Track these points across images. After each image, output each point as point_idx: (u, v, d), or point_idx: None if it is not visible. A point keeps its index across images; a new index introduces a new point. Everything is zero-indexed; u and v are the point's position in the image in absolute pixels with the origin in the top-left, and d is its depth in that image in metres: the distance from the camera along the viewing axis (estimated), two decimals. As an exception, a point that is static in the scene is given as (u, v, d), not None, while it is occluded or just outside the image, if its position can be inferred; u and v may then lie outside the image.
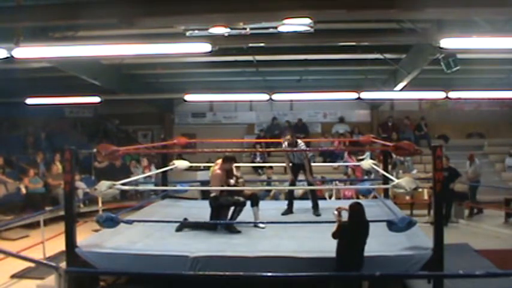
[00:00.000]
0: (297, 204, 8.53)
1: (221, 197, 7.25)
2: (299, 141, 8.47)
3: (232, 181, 7.43)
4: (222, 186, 7.25)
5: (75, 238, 6.07)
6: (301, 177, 8.66)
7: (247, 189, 7.72)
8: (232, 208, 7.22)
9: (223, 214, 7.26)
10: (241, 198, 7.28)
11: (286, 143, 8.41)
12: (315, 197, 8.44)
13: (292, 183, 8.51)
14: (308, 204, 8.50)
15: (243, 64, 12.53)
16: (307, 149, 8.67)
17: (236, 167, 7.91)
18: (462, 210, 10.92)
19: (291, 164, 8.54)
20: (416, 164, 15.29)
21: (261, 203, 7.85)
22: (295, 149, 8.33)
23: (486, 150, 16.48)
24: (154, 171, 11.91)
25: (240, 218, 7.23)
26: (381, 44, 10.68)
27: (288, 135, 8.53)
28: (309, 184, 8.53)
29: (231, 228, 7.03)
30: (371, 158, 12.80)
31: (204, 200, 9.30)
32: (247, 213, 7.36)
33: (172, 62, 12.00)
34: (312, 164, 14.10)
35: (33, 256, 7.30)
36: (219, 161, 7.51)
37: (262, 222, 7.21)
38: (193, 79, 14.33)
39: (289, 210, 8.32)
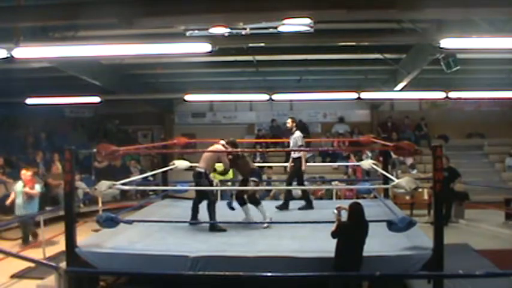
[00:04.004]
0: (297, 204, 8.53)
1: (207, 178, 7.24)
2: (298, 132, 8.50)
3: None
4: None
5: (75, 238, 6.07)
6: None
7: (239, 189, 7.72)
8: (205, 205, 7.19)
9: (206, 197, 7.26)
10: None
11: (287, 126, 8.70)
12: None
13: None
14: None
15: (243, 64, 12.52)
16: (300, 148, 8.67)
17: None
18: (462, 210, 10.91)
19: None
20: (416, 164, 15.30)
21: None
22: (291, 143, 8.49)
23: (486, 150, 16.49)
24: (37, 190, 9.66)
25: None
26: (381, 44, 10.68)
27: (289, 118, 8.73)
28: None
29: (216, 227, 7.02)
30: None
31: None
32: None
33: (172, 62, 12.00)
34: (312, 164, 14.16)
35: (33, 256, 7.30)
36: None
37: (263, 222, 7.21)
38: (193, 79, 14.33)
39: (285, 206, 8.35)
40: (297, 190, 9.41)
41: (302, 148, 8.59)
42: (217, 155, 7.30)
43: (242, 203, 7.43)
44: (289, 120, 8.72)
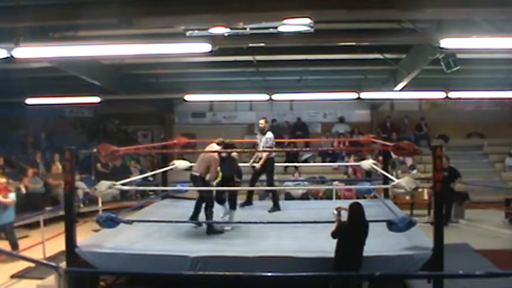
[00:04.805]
0: (296, 204, 8.54)
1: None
2: (270, 133, 8.53)
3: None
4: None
5: (75, 238, 6.08)
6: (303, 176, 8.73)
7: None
8: (203, 208, 7.17)
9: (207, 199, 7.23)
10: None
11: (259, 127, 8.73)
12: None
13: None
14: (308, 204, 8.52)
15: (243, 64, 12.51)
16: (273, 149, 8.90)
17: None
18: (462, 210, 10.92)
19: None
20: (416, 164, 15.30)
21: (261, 203, 7.85)
22: (262, 142, 8.54)
23: (486, 150, 16.49)
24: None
25: (242, 218, 7.21)
26: (381, 44, 10.67)
27: (262, 118, 8.77)
28: (255, 172, 8.72)
29: (213, 229, 7.01)
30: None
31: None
32: (248, 214, 7.37)
33: (172, 62, 12.00)
34: (312, 164, 14.14)
35: (33, 256, 7.30)
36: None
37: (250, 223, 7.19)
38: (193, 79, 14.32)
39: (276, 207, 8.40)
40: (296, 190, 9.42)
41: (275, 149, 8.65)
42: (208, 159, 7.21)
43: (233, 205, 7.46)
44: (263, 121, 8.79)
